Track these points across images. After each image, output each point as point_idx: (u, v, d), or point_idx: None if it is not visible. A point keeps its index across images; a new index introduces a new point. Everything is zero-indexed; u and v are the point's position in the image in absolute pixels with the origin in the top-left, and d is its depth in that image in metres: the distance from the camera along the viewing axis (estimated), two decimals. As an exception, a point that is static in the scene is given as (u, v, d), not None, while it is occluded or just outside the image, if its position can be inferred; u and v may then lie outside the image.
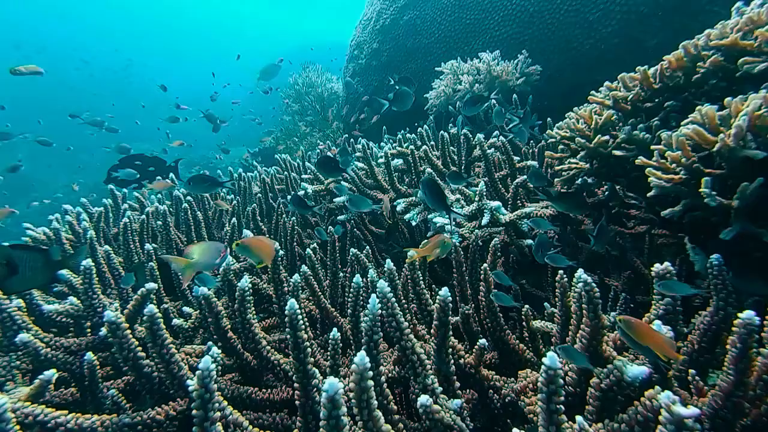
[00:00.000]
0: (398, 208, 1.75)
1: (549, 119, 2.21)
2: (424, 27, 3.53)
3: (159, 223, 1.73)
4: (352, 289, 0.85)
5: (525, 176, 1.53)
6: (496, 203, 1.27)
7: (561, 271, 0.88)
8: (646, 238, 1.43)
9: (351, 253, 1.19)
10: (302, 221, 2.22)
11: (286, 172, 2.65)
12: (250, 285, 0.91)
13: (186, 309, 1.17)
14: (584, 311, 0.69)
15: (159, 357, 0.75)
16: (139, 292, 0.96)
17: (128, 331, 0.76)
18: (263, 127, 6.46)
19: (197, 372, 0.57)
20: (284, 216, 1.90)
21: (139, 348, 0.78)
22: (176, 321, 1.08)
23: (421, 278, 0.90)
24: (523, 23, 2.94)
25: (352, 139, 2.81)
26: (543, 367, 0.51)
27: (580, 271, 0.89)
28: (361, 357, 0.53)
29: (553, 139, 1.37)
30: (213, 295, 0.89)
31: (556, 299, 0.87)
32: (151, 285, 0.96)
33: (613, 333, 0.73)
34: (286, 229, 1.75)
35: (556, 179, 1.54)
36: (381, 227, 2.02)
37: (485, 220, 1.28)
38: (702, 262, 1.21)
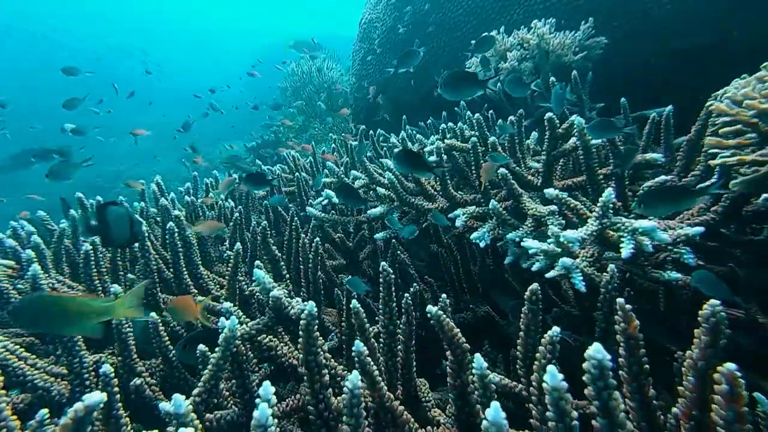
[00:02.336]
0: (457, 223, 1.28)
1: (623, 99, 1.76)
2: (450, -3, 3.01)
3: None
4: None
5: (651, 180, 1.07)
6: (647, 223, 0.80)
7: None
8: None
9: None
10: (320, 234, 1.74)
11: (296, 173, 2.17)
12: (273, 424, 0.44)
13: None
14: None
15: None
16: None
17: None
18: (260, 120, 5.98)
19: None
20: (300, 232, 1.43)
21: None
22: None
23: None
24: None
25: (370, 131, 2.34)
26: None
27: None
28: None
29: (724, 118, 0.89)
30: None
31: None
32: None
33: None
34: (306, 253, 1.28)
35: (723, 179, 1.06)
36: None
37: (627, 251, 0.81)
38: None
